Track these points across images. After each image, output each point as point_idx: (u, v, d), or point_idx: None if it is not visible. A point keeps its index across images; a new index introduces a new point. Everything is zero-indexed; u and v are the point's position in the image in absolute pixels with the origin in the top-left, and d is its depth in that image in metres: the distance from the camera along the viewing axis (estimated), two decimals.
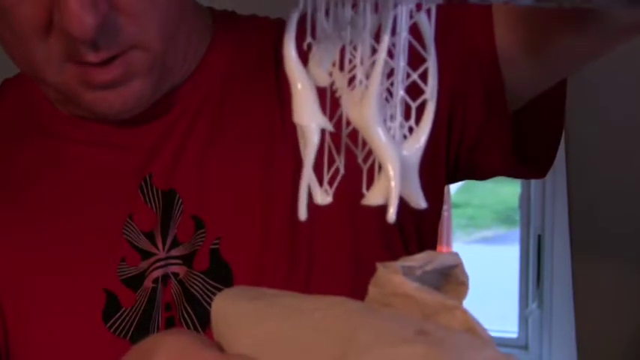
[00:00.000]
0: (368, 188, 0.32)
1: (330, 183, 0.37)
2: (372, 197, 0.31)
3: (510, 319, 2.08)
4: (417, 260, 0.33)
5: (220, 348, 0.35)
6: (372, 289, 0.33)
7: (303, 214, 0.33)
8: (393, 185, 0.31)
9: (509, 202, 4.62)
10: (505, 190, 4.45)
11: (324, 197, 0.34)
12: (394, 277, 0.31)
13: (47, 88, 0.62)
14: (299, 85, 0.33)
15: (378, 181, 0.31)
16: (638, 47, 0.64)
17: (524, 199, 2.07)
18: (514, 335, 2.05)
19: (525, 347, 2.03)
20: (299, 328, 0.31)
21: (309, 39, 0.34)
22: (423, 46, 0.33)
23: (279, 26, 0.68)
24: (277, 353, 0.31)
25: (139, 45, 0.57)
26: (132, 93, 0.58)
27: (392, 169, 0.31)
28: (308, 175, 0.33)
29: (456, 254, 0.33)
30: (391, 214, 0.31)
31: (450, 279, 0.34)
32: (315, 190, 0.34)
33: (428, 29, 0.33)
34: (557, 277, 1.95)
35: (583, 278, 1.91)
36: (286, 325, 0.32)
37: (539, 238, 2.02)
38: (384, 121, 0.32)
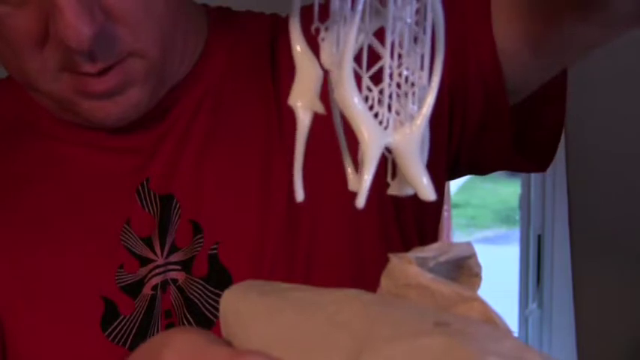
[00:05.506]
0: (393, 178, 0.31)
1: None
2: (397, 187, 0.30)
3: (510, 319, 2.08)
4: (431, 251, 0.32)
5: (229, 345, 0.34)
6: (384, 281, 0.32)
7: (300, 195, 0.33)
8: (365, 150, 0.30)
9: (509, 202, 4.61)
10: (505, 190, 4.45)
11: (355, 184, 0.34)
12: (409, 267, 0.30)
13: (42, 97, 0.61)
14: (298, 49, 0.33)
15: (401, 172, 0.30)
16: (639, 47, 0.64)
17: (525, 199, 2.07)
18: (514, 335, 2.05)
19: None
20: (313, 322, 0.30)
21: (316, 23, 0.33)
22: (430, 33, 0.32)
23: (275, 23, 0.66)
24: (291, 348, 0.30)
25: (135, 53, 0.56)
26: (129, 101, 0.57)
27: (366, 133, 0.30)
28: (300, 157, 0.33)
29: (470, 244, 0.33)
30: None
31: (463, 270, 0.33)
32: (350, 177, 0.34)
33: (437, 8, 0.31)
34: (557, 277, 1.95)
35: (583, 278, 1.91)
36: (300, 320, 0.31)
37: (539, 238, 2.02)
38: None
